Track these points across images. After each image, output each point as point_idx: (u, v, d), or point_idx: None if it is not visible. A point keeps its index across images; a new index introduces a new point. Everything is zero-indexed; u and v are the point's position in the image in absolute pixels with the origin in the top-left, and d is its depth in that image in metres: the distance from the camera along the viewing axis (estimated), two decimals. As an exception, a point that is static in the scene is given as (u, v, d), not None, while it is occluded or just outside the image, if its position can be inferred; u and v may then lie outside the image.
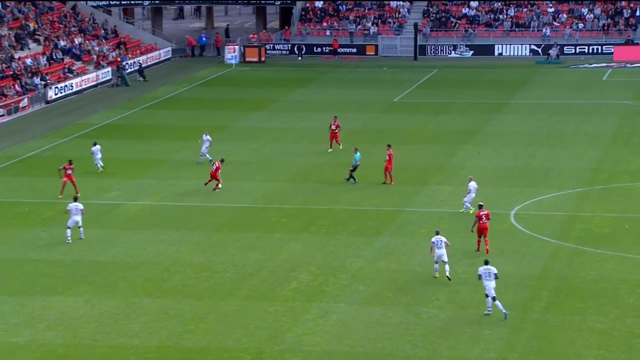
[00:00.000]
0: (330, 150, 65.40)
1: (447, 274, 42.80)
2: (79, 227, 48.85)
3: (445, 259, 42.83)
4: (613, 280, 43.84)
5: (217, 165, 56.70)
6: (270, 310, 40.88)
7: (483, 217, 46.86)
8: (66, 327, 39.59)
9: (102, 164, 61.31)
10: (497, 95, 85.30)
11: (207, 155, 61.91)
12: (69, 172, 55.45)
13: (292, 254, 47.50)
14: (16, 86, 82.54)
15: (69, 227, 48.51)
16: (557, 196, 55.94)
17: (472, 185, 51.77)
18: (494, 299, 39.09)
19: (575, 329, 38.93)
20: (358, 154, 57.91)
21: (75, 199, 49.77)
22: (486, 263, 39.72)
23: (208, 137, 62.87)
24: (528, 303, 41.26)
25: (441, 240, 42.97)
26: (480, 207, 47.49)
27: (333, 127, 65.74)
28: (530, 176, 59.88)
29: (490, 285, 39.13)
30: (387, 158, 57.37)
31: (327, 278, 44.17)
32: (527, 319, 39.74)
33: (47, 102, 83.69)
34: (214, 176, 56.64)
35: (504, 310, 39.04)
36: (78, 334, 38.92)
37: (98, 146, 61.36)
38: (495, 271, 39.39)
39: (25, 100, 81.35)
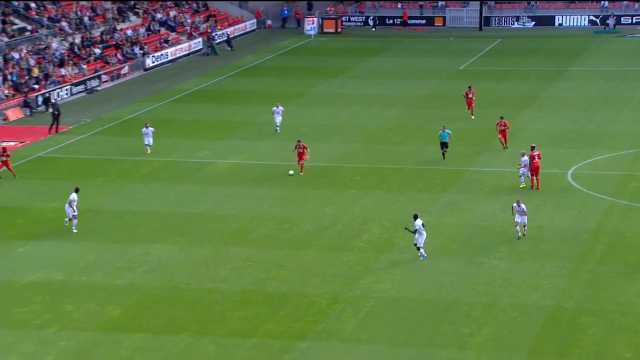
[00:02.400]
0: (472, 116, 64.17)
1: (524, 232, 42.72)
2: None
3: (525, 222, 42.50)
4: (663, 235, 43.45)
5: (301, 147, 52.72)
6: (345, 259, 41.13)
7: (535, 157, 48.34)
8: (163, 272, 40.29)
9: (151, 144, 57.64)
10: (557, 63, 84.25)
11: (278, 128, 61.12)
12: (4, 158, 53.46)
13: (365, 209, 47.64)
14: (118, 55, 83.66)
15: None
16: (613, 157, 55.26)
17: (525, 159, 49.39)
18: (419, 248, 40.59)
19: (628, 279, 38.62)
20: (447, 131, 54.40)
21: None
22: (415, 218, 40.57)
23: (281, 108, 61.55)
24: (583, 255, 40.99)
25: (523, 209, 42.36)
26: (533, 148, 48.94)
27: (470, 95, 64.20)
28: (586, 138, 59.20)
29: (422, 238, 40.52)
30: (502, 128, 56.01)
31: (397, 231, 44.23)
32: (582, 270, 39.51)
33: (145, 70, 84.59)
34: (301, 157, 52.60)
35: (425, 255, 40.55)
36: (173, 278, 39.60)
37: (151, 128, 57.97)
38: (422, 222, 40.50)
39: (126, 67, 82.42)
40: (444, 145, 54.27)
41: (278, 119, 61.22)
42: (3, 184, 52.85)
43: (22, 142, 62.09)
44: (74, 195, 44.97)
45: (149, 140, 57.36)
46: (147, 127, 57.53)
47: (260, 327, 34.98)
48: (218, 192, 50.59)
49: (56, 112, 63.96)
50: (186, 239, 44.00)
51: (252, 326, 35.16)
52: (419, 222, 40.40)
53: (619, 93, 72.03)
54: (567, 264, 39.99)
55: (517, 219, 42.33)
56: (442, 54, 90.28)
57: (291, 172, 51.42)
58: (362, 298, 37.36)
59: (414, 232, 40.45)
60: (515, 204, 42.16)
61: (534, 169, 48.74)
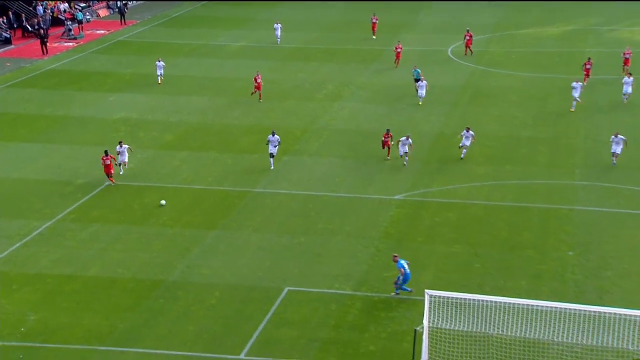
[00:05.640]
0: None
1: (405, 163, 32.20)
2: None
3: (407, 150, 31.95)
4: (504, 87, 42.87)
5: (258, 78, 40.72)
6: (311, 106, 40.46)
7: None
8: (198, 113, 39.57)
9: (162, 74, 44.10)
10: None
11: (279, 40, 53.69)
12: (108, 162, 30.92)
13: (323, 74, 46.54)
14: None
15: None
16: (474, 40, 53.88)
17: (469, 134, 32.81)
18: (272, 155, 31.60)
19: (483, 113, 38.55)
20: (418, 69, 41.99)
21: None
22: (273, 134, 31.61)
23: (280, 24, 53.82)
24: (457, 100, 40.67)
25: (409, 142, 31.90)
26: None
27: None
28: (458, 28, 57.47)
29: (274, 150, 31.58)
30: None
31: (343, 88, 43.45)
32: (456, 110, 39.21)
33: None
34: (258, 88, 40.78)
35: (272, 162, 31.87)
36: (205, 117, 38.90)
37: (163, 63, 44.41)
38: (279, 139, 31.62)
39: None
40: (417, 81, 41.03)
41: (278, 33, 54.45)
42: (91, 54, 51.20)
43: (108, 31, 59.84)
44: (120, 149, 31.66)
45: (161, 72, 43.84)
46: (159, 61, 44.30)
47: (259, 147, 34.54)
48: (232, 63, 49.16)
49: (124, 11, 61.74)
50: (212, 93, 42.96)
51: (255, 147, 34.76)
52: (276, 137, 31.56)
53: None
54: (447, 107, 39.60)
55: (401, 152, 31.89)
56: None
57: (163, 202, 29.25)
58: (321, 129, 36.97)
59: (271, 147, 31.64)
60: (403, 138, 31.82)
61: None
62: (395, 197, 29.41)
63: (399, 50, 47.11)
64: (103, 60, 50.79)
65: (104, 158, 30.93)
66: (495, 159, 32.92)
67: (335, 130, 36.83)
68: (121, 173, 31.66)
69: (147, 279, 24.24)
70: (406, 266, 22.59)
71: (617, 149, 30.62)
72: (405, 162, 32.02)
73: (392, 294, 22.74)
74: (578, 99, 38.41)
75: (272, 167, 31.96)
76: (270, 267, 24.70)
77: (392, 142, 32.62)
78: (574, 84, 38.43)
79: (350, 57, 50.53)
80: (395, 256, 22.90)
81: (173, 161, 33.35)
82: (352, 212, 28.30)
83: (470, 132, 32.63)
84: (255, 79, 40.87)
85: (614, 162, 31.20)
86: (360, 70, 47.13)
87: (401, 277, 22.51)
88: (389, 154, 32.57)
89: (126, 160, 31.71)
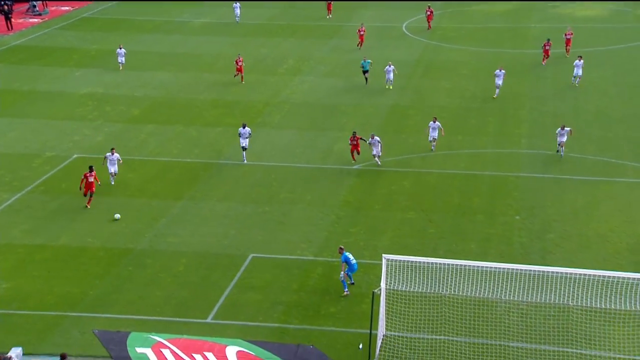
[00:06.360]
0: None
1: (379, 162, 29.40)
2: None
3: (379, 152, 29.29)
4: (455, 61, 42.96)
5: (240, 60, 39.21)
6: (273, 80, 40.05)
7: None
8: (163, 88, 38.87)
9: (123, 62, 41.58)
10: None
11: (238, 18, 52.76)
12: (90, 179, 26.50)
13: (285, 49, 46.01)
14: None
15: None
16: (418, 17, 53.60)
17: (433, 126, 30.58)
18: (244, 149, 29.50)
19: (436, 86, 38.66)
20: (368, 61, 38.87)
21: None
22: (244, 126, 29.38)
23: (238, 4, 53.16)
24: (410, 74, 40.63)
25: (377, 141, 29.05)
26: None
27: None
28: (413, 5, 57.35)
29: (245, 142, 29.32)
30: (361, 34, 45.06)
31: (303, 63, 43.07)
32: (410, 83, 39.23)
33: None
34: (240, 70, 39.27)
35: (244, 156, 29.55)
36: (169, 92, 38.28)
37: (124, 50, 41.74)
38: (250, 131, 29.39)
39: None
40: (365, 72, 38.67)
41: (237, 12, 53.33)
42: (56, 30, 49.71)
43: (73, 7, 58.36)
44: (111, 156, 27.80)
45: (122, 59, 41.47)
46: (120, 48, 41.80)
47: (223, 121, 34.23)
48: (196, 39, 48.23)
49: None
50: (176, 68, 42.20)
51: (218, 120, 34.40)
52: (247, 129, 29.32)
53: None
54: (401, 80, 39.56)
55: (374, 152, 29.13)
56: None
57: (117, 215, 25.63)
58: (283, 103, 36.69)
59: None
60: (370, 139, 28.95)
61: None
62: (354, 167, 29.44)
63: (362, 32, 45.22)
64: (68, 37, 49.43)
65: (87, 175, 26.16)
66: (447, 129, 33.09)
67: (295, 103, 36.57)
68: (112, 183, 27.63)
69: (116, 247, 23.94)
70: (351, 257, 20.91)
71: (563, 138, 29.78)
72: (378, 162, 29.04)
73: (344, 293, 20.92)
74: (500, 85, 36.53)
75: (245, 161, 29.37)
76: (235, 235, 24.60)
77: (359, 154, 29.19)
78: (497, 71, 36.71)
79: (311, 32, 50.06)
80: (341, 248, 21.19)
81: (140, 134, 32.78)
82: (312, 181, 28.26)
83: (437, 123, 30.12)
84: (237, 62, 39.20)
85: (562, 154, 29.43)
86: (319, 45, 46.74)
87: (344, 272, 20.93)
88: (354, 157, 29.22)
89: (116, 170, 27.59)
